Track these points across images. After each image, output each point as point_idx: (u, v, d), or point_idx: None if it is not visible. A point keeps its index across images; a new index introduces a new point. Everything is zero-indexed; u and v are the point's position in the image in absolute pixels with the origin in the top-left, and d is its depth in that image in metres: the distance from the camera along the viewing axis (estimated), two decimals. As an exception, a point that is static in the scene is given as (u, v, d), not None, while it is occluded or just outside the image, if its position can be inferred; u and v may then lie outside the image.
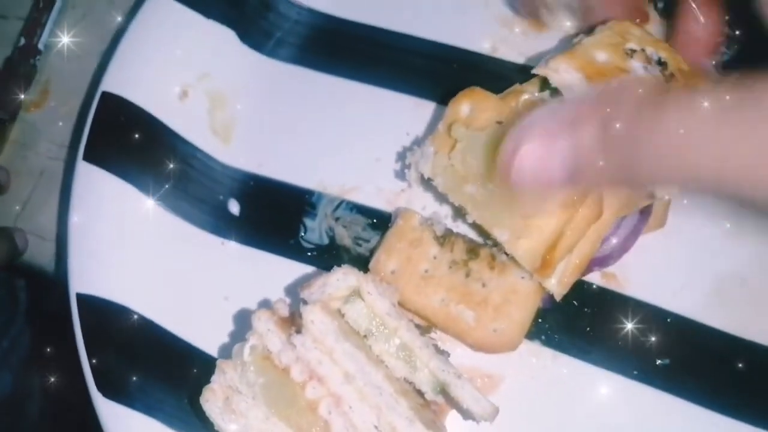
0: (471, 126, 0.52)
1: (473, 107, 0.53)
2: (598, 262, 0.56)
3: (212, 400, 0.49)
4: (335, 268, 0.51)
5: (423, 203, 0.61)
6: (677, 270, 0.57)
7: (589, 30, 0.55)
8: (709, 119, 0.32)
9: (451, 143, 0.52)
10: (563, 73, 0.50)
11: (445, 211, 0.60)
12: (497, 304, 0.54)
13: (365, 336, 0.51)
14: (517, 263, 0.52)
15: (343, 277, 0.51)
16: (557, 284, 0.52)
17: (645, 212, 0.56)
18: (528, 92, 0.55)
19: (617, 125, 0.35)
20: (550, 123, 0.38)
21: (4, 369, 0.57)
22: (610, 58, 0.51)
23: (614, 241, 0.55)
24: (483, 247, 0.56)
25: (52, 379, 0.58)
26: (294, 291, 0.59)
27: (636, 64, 0.52)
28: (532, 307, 0.54)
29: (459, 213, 0.54)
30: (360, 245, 0.61)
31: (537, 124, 0.39)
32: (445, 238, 0.56)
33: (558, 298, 0.52)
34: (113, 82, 0.62)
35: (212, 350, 0.57)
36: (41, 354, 0.58)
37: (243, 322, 0.58)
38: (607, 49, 0.52)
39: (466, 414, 0.51)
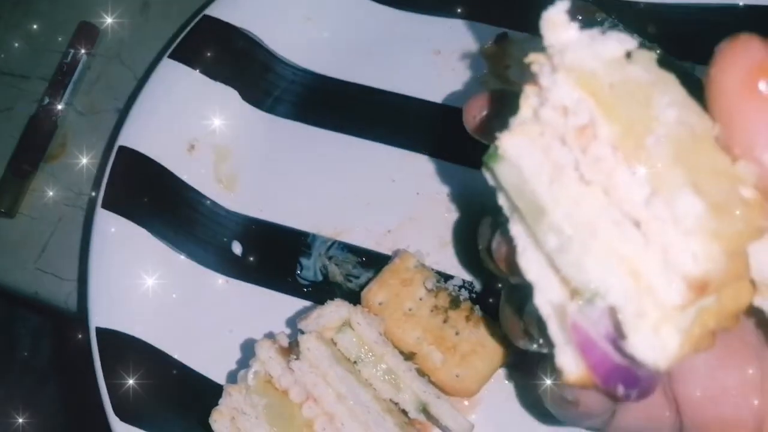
0: None
1: None
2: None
3: (220, 421, 0.55)
4: (328, 301, 0.58)
5: (407, 243, 0.67)
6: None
7: None
8: None
9: None
10: None
11: (427, 248, 0.67)
12: (465, 353, 0.59)
13: (355, 362, 0.57)
14: (489, 320, 0.59)
15: (336, 309, 0.57)
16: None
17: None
18: None
19: None
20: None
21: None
22: None
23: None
24: (465, 301, 0.62)
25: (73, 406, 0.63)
26: (292, 323, 0.65)
27: None
28: (495, 363, 0.60)
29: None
30: (351, 281, 0.67)
31: None
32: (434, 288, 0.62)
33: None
34: (129, 137, 0.69)
35: (219, 377, 0.63)
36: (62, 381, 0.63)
37: (246, 351, 0.64)
38: None
39: (445, 430, 0.57)
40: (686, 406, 0.39)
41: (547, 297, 0.33)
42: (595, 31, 0.31)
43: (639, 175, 0.29)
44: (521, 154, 0.32)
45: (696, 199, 0.27)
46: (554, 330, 0.32)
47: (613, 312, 0.29)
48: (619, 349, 0.30)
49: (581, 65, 0.30)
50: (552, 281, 0.32)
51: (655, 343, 0.28)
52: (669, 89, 0.30)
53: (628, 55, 0.30)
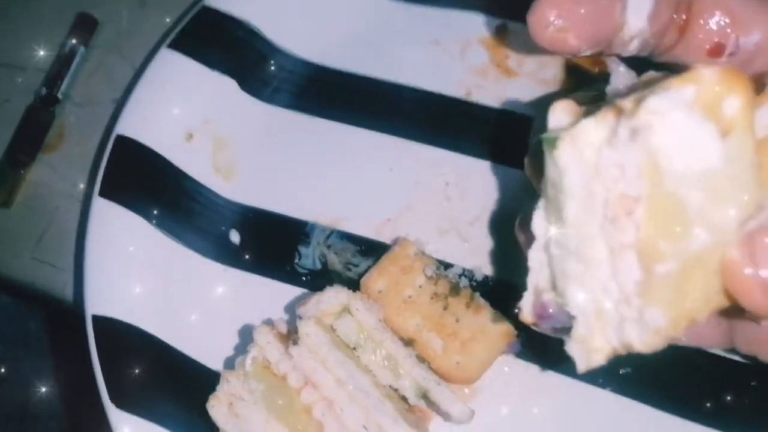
0: None
1: None
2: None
3: (217, 406, 0.54)
4: (328, 287, 0.57)
5: (406, 231, 0.67)
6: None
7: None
8: None
9: None
10: None
11: (426, 237, 0.66)
12: (465, 339, 0.59)
13: (354, 348, 0.57)
14: (488, 307, 0.59)
15: (335, 295, 0.57)
16: None
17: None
18: None
19: None
20: None
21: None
22: None
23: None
24: (465, 288, 0.62)
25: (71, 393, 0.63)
26: (290, 311, 0.64)
27: None
28: (495, 350, 0.60)
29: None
30: (350, 270, 0.67)
31: None
32: (434, 276, 0.62)
33: None
34: (126, 126, 0.69)
35: (217, 364, 0.63)
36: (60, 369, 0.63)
37: (244, 339, 0.63)
38: None
39: (446, 417, 0.56)
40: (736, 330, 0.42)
41: (535, 264, 0.38)
42: (692, 128, 0.30)
43: (636, 269, 0.32)
44: (570, 166, 0.33)
45: (662, 317, 0.32)
46: (529, 283, 0.39)
47: (572, 317, 0.36)
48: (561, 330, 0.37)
49: (659, 153, 0.30)
50: (544, 263, 0.37)
51: (585, 358, 0.36)
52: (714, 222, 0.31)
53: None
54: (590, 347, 0.35)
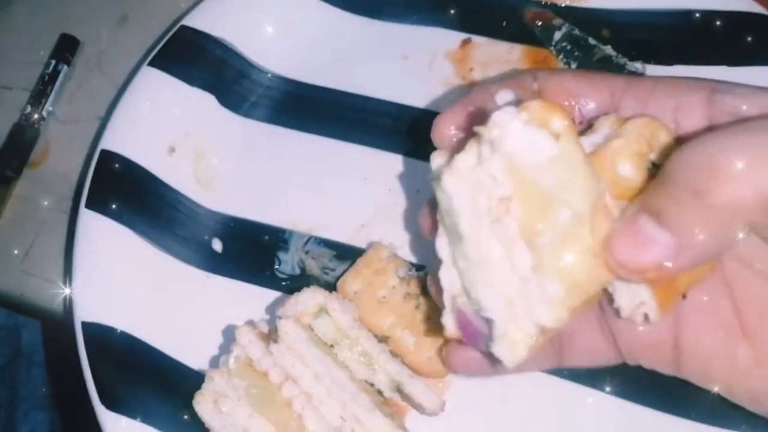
0: None
1: None
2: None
3: (203, 403, 0.57)
4: (305, 288, 0.61)
5: (380, 236, 0.70)
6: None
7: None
8: None
9: None
10: None
11: (399, 241, 0.70)
12: (435, 336, 0.62)
13: (332, 345, 0.60)
14: None
15: (312, 296, 0.60)
16: None
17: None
18: None
19: None
20: None
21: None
22: (633, 173, 0.41)
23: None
24: None
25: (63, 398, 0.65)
26: (271, 314, 0.68)
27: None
28: None
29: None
30: (327, 274, 0.70)
31: None
32: (406, 276, 0.65)
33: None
34: (111, 141, 0.72)
35: (202, 365, 0.65)
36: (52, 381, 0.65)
37: (227, 340, 0.66)
38: (632, 160, 0.41)
39: (419, 408, 0.60)
40: (619, 337, 0.50)
41: (447, 282, 0.44)
42: (530, 133, 0.38)
43: (526, 254, 0.39)
44: (455, 192, 0.40)
45: (558, 287, 0.39)
46: (446, 299, 0.44)
47: (488, 320, 0.41)
48: (485, 339, 0.42)
49: (513, 155, 0.38)
50: (455, 277, 0.43)
51: (510, 352, 0.40)
52: (572, 194, 0.39)
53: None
54: (511, 341, 0.40)
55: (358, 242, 0.71)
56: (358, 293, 0.64)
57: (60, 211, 0.79)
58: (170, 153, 0.74)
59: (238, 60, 0.77)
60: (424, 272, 0.67)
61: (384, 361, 0.60)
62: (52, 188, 0.80)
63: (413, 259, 0.69)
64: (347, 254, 0.70)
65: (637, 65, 0.74)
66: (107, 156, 0.71)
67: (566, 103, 0.47)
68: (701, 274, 0.44)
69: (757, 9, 0.71)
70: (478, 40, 0.77)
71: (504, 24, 0.77)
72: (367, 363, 0.60)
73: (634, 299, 0.43)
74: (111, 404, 0.62)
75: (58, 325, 0.71)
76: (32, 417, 0.67)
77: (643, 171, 0.42)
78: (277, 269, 0.71)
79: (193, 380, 0.60)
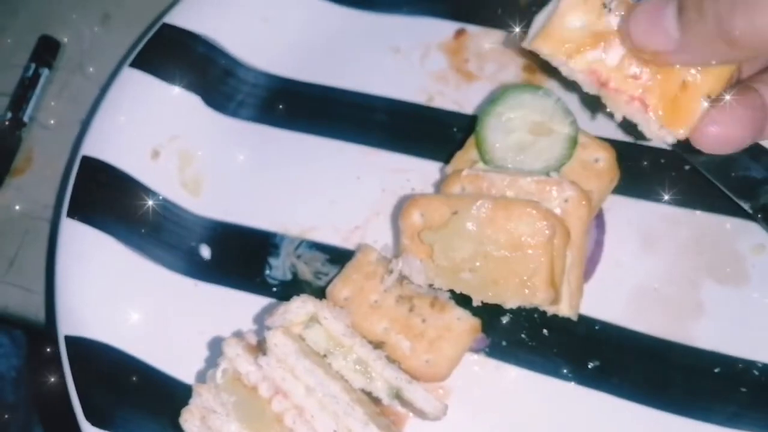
0: (433, 227, 0.56)
1: (423, 212, 0.58)
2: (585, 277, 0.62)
3: (190, 420, 0.55)
4: (294, 297, 0.58)
5: (375, 238, 0.68)
6: (599, 283, 0.64)
7: None
8: None
9: (426, 249, 0.57)
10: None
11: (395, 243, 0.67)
12: (432, 339, 0.60)
13: (325, 355, 0.57)
14: (452, 305, 0.61)
15: (302, 305, 0.58)
16: (568, 309, 0.58)
17: (599, 224, 0.64)
18: (466, 164, 0.60)
19: None
20: None
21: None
22: (587, 20, 0.48)
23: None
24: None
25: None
26: (261, 323, 0.65)
27: (613, 20, 0.49)
28: (462, 346, 0.61)
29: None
30: (320, 278, 0.68)
31: None
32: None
33: (574, 318, 0.59)
34: (91, 147, 0.69)
35: (190, 378, 0.63)
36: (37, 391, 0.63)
37: (216, 351, 0.64)
38: (581, 11, 0.49)
39: (420, 414, 0.57)
40: None
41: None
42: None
43: None
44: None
45: None
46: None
47: None
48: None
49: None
50: None
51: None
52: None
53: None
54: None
55: (352, 245, 0.68)
56: (349, 299, 0.62)
57: (44, 220, 0.77)
58: (154, 157, 0.71)
59: (223, 57, 0.74)
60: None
61: (381, 368, 0.57)
62: (36, 196, 0.78)
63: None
64: (341, 258, 0.67)
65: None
66: (88, 163, 0.69)
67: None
68: (724, 78, 0.47)
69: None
70: (473, 29, 0.73)
71: (499, 12, 0.73)
72: (363, 371, 0.57)
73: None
74: (96, 420, 0.60)
75: (43, 337, 0.69)
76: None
77: (598, 12, 0.48)
78: (267, 275, 0.68)
79: (181, 393, 0.58)
